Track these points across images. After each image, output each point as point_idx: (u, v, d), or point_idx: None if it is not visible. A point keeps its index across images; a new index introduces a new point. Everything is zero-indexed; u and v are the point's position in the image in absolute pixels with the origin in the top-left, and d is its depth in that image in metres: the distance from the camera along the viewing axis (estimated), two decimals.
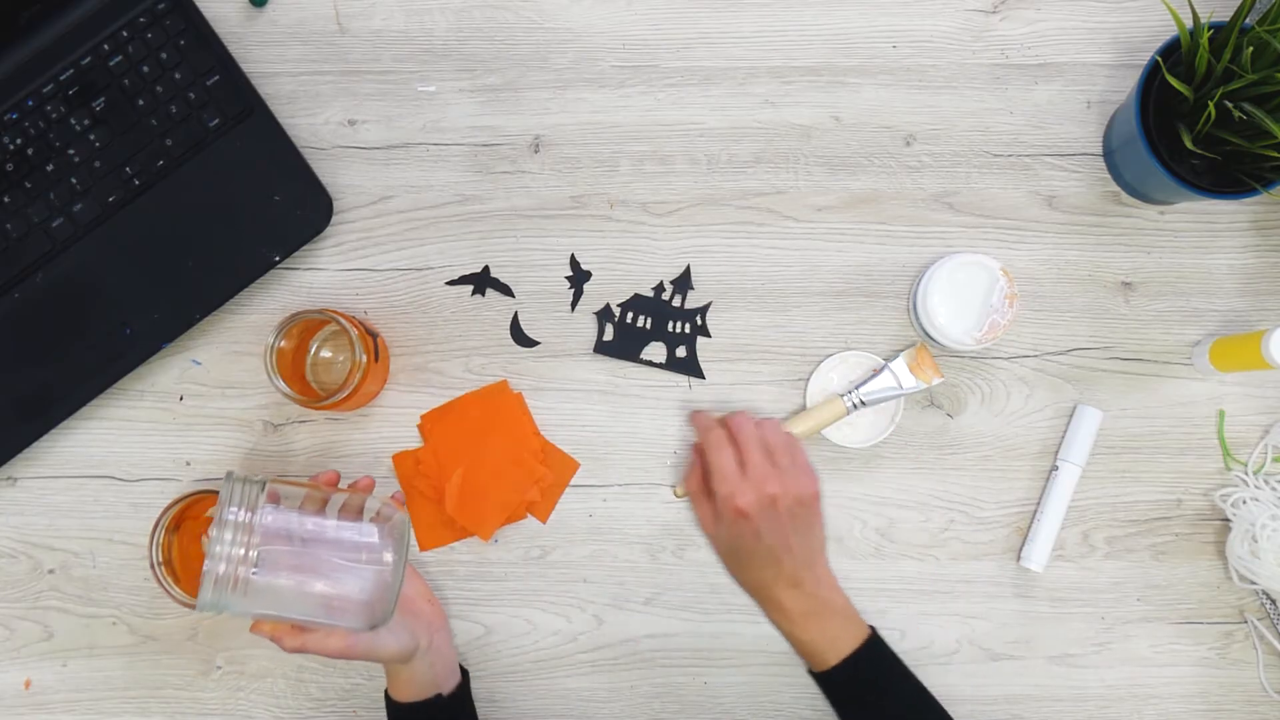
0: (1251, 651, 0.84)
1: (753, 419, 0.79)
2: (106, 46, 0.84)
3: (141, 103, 0.84)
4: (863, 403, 0.83)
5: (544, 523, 0.85)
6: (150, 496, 0.86)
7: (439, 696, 0.76)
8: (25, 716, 0.85)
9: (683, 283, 0.86)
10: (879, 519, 0.85)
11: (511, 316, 0.86)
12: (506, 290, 0.86)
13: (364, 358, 0.78)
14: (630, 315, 0.86)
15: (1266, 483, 0.83)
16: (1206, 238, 0.86)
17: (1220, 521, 0.84)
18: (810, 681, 0.75)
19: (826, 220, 0.86)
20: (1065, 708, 0.84)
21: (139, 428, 0.86)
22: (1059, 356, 0.86)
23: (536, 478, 0.84)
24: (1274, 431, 0.84)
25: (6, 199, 0.84)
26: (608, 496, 0.85)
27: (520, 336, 0.86)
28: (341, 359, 0.86)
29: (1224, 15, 0.75)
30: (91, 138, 0.84)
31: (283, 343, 0.80)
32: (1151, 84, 0.78)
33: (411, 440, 0.86)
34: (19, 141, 0.84)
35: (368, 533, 0.67)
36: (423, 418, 0.86)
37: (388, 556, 0.67)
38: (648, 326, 0.86)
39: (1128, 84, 0.86)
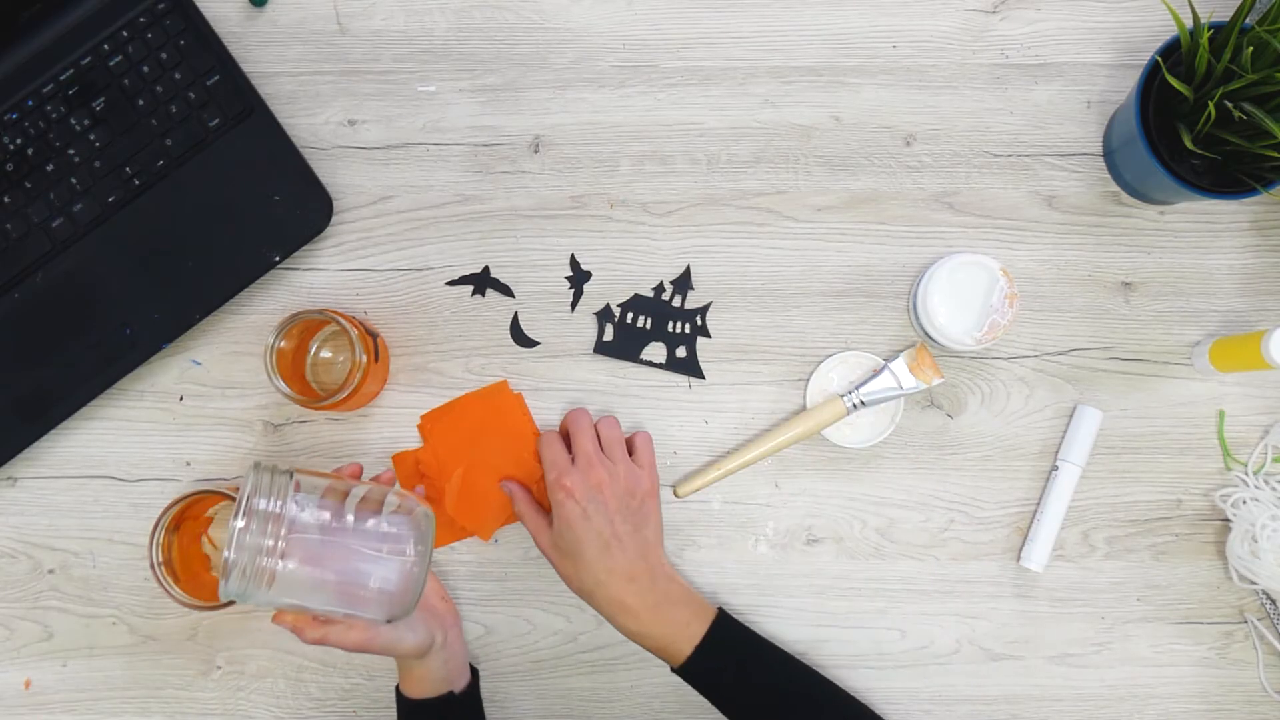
0: (1251, 651, 0.84)
1: (590, 415, 0.81)
2: (106, 46, 0.84)
3: (141, 103, 0.84)
4: (863, 403, 0.83)
5: None
6: (150, 496, 0.86)
7: (451, 694, 0.77)
8: (25, 716, 0.85)
9: (683, 283, 0.86)
10: (879, 519, 0.85)
11: (511, 317, 0.86)
12: (506, 290, 0.86)
13: (364, 358, 0.78)
14: (630, 315, 0.86)
15: (1266, 483, 0.83)
16: (1206, 238, 0.86)
17: (1220, 522, 0.84)
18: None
19: (826, 220, 0.86)
20: (1065, 708, 0.84)
21: (139, 428, 0.86)
22: (1059, 357, 0.85)
23: (536, 478, 0.84)
24: (1274, 431, 0.84)
25: (6, 199, 0.84)
26: None
27: (520, 337, 0.86)
28: (341, 359, 0.86)
29: (1224, 15, 0.75)
30: (91, 138, 0.84)
31: (283, 343, 0.80)
32: (1151, 84, 0.78)
33: (411, 440, 0.86)
34: (19, 141, 0.84)
35: (395, 524, 0.67)
36: (423, 418, 0.85)
37: (413, 549, 0.66)
38: (648, 327, 0.86)
39: (1128, 84, 0.86)
